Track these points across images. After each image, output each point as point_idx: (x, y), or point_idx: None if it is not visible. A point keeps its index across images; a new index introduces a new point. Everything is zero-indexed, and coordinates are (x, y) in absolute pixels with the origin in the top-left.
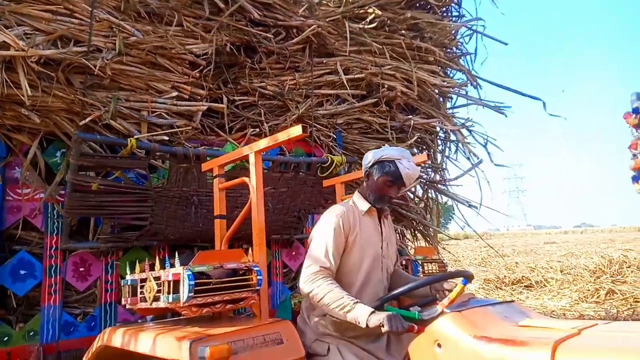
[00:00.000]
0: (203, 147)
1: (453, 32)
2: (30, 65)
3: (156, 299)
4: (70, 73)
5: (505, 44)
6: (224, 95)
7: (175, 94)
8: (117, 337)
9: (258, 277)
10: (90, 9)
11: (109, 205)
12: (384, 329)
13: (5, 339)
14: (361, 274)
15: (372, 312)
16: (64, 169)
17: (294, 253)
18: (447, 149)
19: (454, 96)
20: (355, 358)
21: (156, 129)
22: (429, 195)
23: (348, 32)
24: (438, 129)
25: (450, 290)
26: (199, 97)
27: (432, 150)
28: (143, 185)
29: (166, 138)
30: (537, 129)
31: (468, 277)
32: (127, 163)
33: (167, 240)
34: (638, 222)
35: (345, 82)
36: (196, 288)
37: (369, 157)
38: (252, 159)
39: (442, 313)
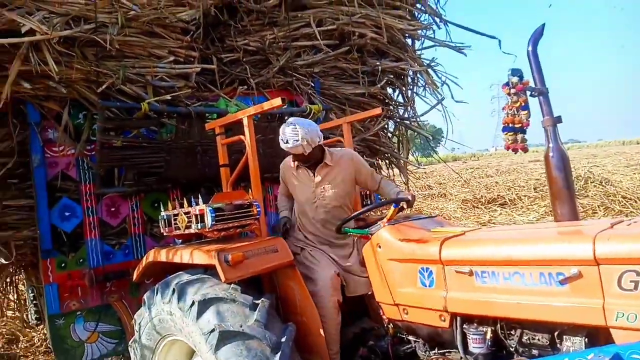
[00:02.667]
0: (199, 102)
1: None
2: (53, 45)
3: (187, 227)
4: (84, 48)
5: None
6: (212, 56)
7: (172, 58)
8: (162, 255)
9: (257, 210)
10: None
11: (130, 158)
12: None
13: (63, 265)
14: (299, 205)
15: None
16: (88, 128)
17: None
18: (415, 87)
19: (422, 38)
20: (319, 255)
21: (160, 90)
22: (400, 130)
23: None
24: (407, 70)
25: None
26: (192, 59)
27: (402, 89)
28: (156, 140)
29: (169, 98)
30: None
31: (401, 202)
32: (142, 123)
33: (179, 183)
34: (622, 135)
35: (317, 34)
36: (216, 218)
37: (282, 144)
38: (245, 121)
39: (382, 227)
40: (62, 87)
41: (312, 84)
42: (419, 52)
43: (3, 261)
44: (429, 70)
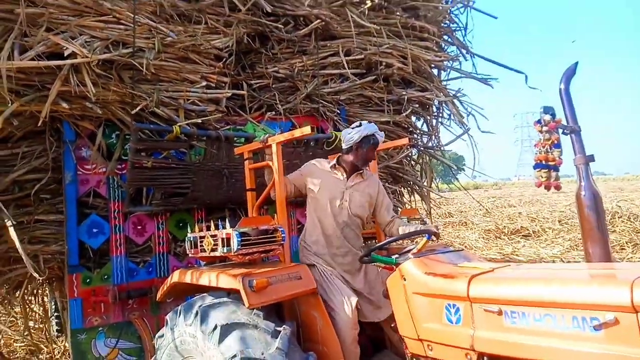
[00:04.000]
0: (228, 126)
1: (447, 9)
2: (92, 67)
3: (213, 250)
4: (121, 70)
5: (495, 17)
6: (243, 82)
7: (204, 83)
8: (186, 276)
9: (282, 235)
10: (132, 15)
11: (159, 178)
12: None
13: (88, 280)
14: (321, 206)
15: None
16: (120, 148)
17: (305, 212)
18: (440, 118)
19: (449, 69)
20: (338, 283)
21: (191, 114)
22: (424, 158)
23: (350, 18)
24: (433, 100)
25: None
26: (223, 84)
27: (426, 118)
28: (185, 161)
29: (199, 121)
30: (555, 75)
31: (432, 234)
32: (173, 145)
33: (204, 204)
34: None
35: (345, 63)
36: (242, 242)
37: (354, 136)
38: (274, 147)
39: (409, 259)
40: (97, 108)
41: (338, 111)
42: (445, 83)
43: (34, 274)
44: (455, 100)
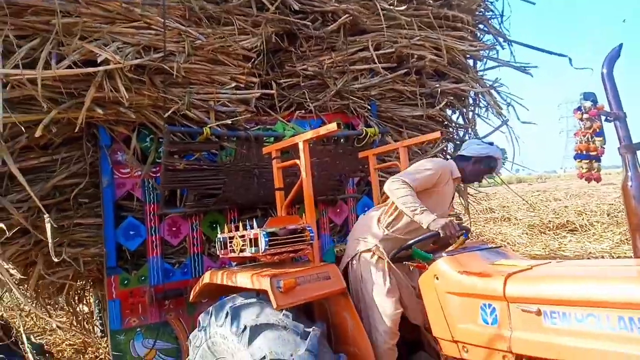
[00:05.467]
0: (258, 126)
1: None
2: (124, 73)
3: (242, 250)
4: (152, 75)
5: (533, 3)
6: (272, 81)
7: (233, 84)
8: (217, 277)
9: (311, 235)
10: (162, 20)
11: (192, 180)
12: (441, 233)
13: (126, 282)
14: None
15: (435, 220)
16: (154, 151)
17: (338, 210)
18: (477, 109)
19: (485, 59)
20: (392, 277)
21: (221, 115)
22: None
23: (380, 11)
24: (468, 92)
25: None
26: (253, 85)
27: (462, 111)
28: (216, 162)
29: (229, 122)
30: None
31: (467, 232)
32: (204, 146)
33: (236, 204)
34: None
35: (375, 58)
36: (269, 243)
37: (482, 150)
38: (300, 146)
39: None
40: (131, 112)
41: (369, 107)
42: (481, 73)
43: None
44: (492, 91)
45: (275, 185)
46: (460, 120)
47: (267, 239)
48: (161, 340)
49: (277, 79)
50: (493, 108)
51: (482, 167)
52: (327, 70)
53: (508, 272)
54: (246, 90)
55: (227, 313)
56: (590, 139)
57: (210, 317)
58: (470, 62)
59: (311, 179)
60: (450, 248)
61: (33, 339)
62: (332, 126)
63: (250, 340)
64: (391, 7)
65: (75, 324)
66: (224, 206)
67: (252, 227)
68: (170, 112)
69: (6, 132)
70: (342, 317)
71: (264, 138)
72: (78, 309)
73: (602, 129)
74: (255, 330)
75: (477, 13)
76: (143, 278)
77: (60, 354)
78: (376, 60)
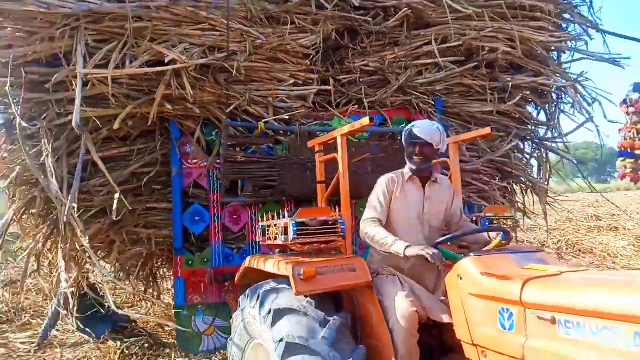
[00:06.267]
0: (315, 122)
1: None
2: (190, 72)
3: (276, 238)
4: (216, 73)
5: None
6: (330, 77)
7: (292, 81)
8: (254, 262)
9: (342, 227)
10: (226, 22)
11: (250, 171)
12: (429, 260)
13: (190, 262)
14: (402, 224)
15: (408, 246)
16: (218, 144)
17: None
18: (561, 105)
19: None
20: (403, 282)
21: (280, 110)
22: (540, 152)
23: (446, 3)
24: (551, 86)
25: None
26: (311, 81)
27: (543, 107)
28: (272, 155)
29: (287, 117)
30: None
31: (505, 233)
32: (259, 140)
33: (292, 196)
34: None
35: (436, 52)
36: (298, 232)
37: (405, 131)
38: (339, 140)
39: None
40: (196, 108)
41: (433, 103)
42: (565, 66)
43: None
44: (578, 85)
45: (317, 178)
46: (543, 117)
47: (295, 229)
48: (220, 319)
49: (336, 75)
50: (578, 104)
51: (409, 148)
52: (389, 66)
53: (529, 276)
54: (303, 87)
55: (258, 296)
56: (636, 135)
57: (247, 299)
58: (555, 54)
59: (347, 174)
60: (486, 248)
61: (122, 311)
62: (365, 120)
63: (273, 322)
64: None
65: (155, 298)
66: (280, 198)
67: (284, 217)
68: (232, 108)
69: (90, 125)
70: (367, 309)
71: (317, 133)
72: (158, 284)
73: None
74: (278, 314)
75: (561, 1)
76: (206, 260)
77: (145, 325)
78: (437, 54)
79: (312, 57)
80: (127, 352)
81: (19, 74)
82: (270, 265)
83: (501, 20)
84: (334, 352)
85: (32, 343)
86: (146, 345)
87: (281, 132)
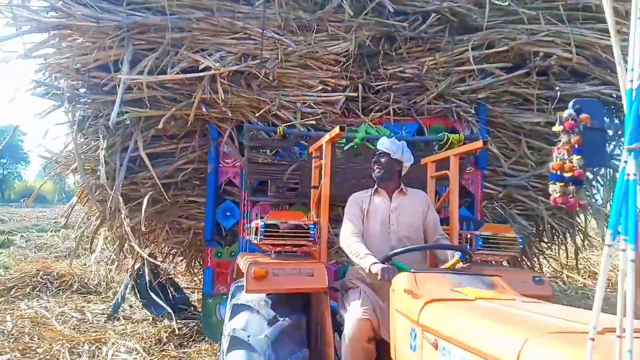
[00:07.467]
0: None
1: None
2: (224, 78)
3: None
4: (250, 79)
5: None
6: (360, 84)
7: (320, 87)
8: (240, 259)
9: (311, 232)
10: (261, 31)
11: (271, 172)
12: (379, 277)
13: (219, 254)
14: (370, 236)
15: (375, 263)
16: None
17: None
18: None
19: None
20: (364, 294)
21: (308, 115)
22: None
23: (487, 6)
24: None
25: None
26: (341, 88)
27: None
28: (291, 159)
29: (314, 122)
30: None
31: (464, 253)
32: (280, 144)
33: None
34: None
35: (471, 58)
36: (266, 233)
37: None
38: (323, 147)
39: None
40: (229, 111)
41: (472, 111)
42: None
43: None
44: None
45: (311, 183)
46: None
47: (263, 230)
48: None
49: (370, 81)
50: None
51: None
52: (427, 72)
53: (433, 298)
54: (331, 93)
55: (230, 291)
56: (566, 157)
57: (231, 291)
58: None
59: (329, 181)
60: (443, 267)
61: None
62: (335, 130)
63: (231, 316)
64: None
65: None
66: (303, 201)
67: (261, 219)
68: (261, 112)
69: (141, 124)
70: (321, 315)
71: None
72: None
73: (582, 144)
74: (236, 309)
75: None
76: (233, 254)
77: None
78: (472, 61)
79: (342, 63)
80: (178, 332)
81: (86, 78)
82: (242, 263)
83: (558, 23)
84: (271, 351)
85: (104, 314)
86: (195, 327)
87: (301, 137)
